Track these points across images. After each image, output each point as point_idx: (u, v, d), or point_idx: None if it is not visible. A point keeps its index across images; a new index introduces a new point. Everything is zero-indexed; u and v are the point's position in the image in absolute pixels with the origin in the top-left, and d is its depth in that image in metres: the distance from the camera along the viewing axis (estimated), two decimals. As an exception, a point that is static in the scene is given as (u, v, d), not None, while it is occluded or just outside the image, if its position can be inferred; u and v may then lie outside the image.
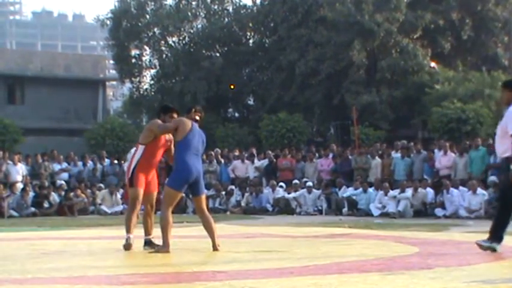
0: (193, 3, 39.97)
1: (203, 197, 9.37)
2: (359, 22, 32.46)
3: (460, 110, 26.88)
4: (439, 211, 18.61)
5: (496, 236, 8.69)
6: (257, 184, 22.34)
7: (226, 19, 39.50)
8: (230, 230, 13.95)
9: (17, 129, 30.44)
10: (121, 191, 21.76)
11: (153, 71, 41.29)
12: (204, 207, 9.39)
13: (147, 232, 9.60)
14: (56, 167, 23.78)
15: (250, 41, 40.02)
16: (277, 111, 32.83)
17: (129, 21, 39.31)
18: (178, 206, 20.42)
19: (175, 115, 9.42)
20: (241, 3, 39.99)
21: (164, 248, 9.02)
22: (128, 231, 9.38)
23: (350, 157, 21.99)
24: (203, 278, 6.93)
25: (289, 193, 21.22)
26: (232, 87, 37.83)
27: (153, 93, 40.58)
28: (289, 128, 30.75)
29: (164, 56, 40.09)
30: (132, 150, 9.85)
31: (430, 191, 19.23)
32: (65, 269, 7.59)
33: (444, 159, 20.03)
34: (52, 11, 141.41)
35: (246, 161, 23.37)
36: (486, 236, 8.85)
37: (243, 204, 21.90)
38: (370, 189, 20.16)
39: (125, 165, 22.61)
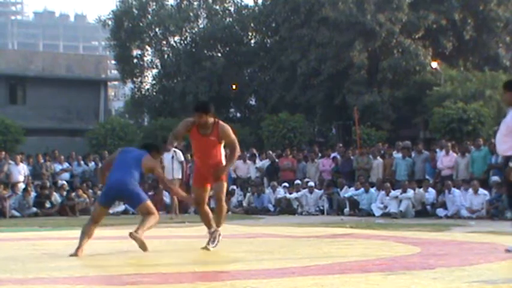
0: (195, 3, 40.06)
1: (142, 205, 9.21)
2: (361, 22, 32.48)
3: (462, 110, 26.88)
4: (440, 211, 18.61)
5: None
6: (259, 184, 22.34)
7: (227, 19, 39.55)
8: (232, 230, 13.93)
9: (19, 130, 30.46)
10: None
11: (154, 71, 41.41)
12: (148, 211, 9.20)
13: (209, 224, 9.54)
14: (57, 167, 23.79)
15: (252, 41, 40.08)
16: (279, 111, 32.85)
17: (131, 21, 39.39)
18: (180, 205, 20.56)
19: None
20: (242, 4, 40.06)
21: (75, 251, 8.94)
22: (208, 226, 9.46)
23: (352, 157, 21.99)
24: (205, 278, 6.93)
25: (290, 193, 21.22)
26: (234, 87, 37.87)
27: (154, 93, 40.66)
28: (291, 128, 30.77)
29: (166, 56, 40.16)
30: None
31: (431, 191, 19.23)
32: (66, 269, 7.59)
33: (446, 160, 20.01)
34: (54, 11, 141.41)
35: (248, 161, 23.37)
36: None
37: (244, 204, 21.90)
38: (372, 190, 20.15)
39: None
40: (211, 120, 9.26)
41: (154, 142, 10.00)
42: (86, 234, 9.16)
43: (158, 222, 9.34)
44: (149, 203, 9.33)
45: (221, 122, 9.39)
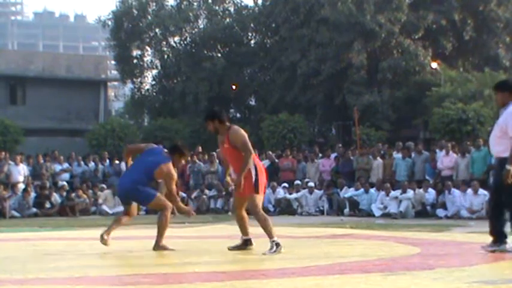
0: (195, 3, 40.04)
1: (151, 204, 9.65)
2: (360, 22, 32.48)
3: (461, 110, 26.89)
4: (440, 212, 18.61)
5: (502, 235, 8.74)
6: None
7: (227, 20, 39.54)
8: (232, 230, 13.93)
9: (18, 130, 30.48)
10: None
11: (154, 72, 41.40)
12: (159, 207, 9.56)
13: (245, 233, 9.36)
14: (57, 167, 23.78)
15: (252, 41, 40.07)
16: (279, 111, 32.85)
17: (131, 21, 39.39)
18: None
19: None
20: (242, 4, 40.06)
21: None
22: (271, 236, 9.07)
23: (352, 158, 21.99)
24: (205, 278, 6.92)
25: (290, 194, 21.22)
26: (234, 87, 37.87)
27: (154, 93, 40.66)
28: (291, 128, 30.76)
29: (166, 56, 40.15)
30: None
31: (431, 192, 19.24)
32: (66, 270, 7.59)
33: (446, 160, 20.01)
34: (53, 12, 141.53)
35: (248, 162, 23.30)
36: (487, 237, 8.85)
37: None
38: (372, 190, 20.16)
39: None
40: (225, 126, 8.97)
41: (180, 144, 10.00)
42: (116, 221, 9.67)
43: (171, 211, 9.55)
44: (158, 198, 9.48)
45: (233, 127, 9.00)
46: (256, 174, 8.94)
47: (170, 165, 9.37)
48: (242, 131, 8.99)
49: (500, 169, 8.62)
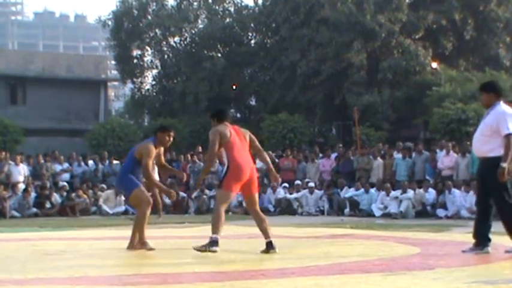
0: (195, 3, 40.03)
1: (130, 199, 9.85)
2: (360, 22, 32.46)
3: (461, 110, 26.88)
4: (440, 212, 18.61)
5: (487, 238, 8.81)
6: (259, 185, 22.28)
7: (227, 19, 39.53)
8: (232, 230, 13.94)
9: (18, 130, 30.47)
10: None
11: (154, 72, 41.37)
12: (135, 204, 9.79)
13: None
14: (58, 167, 23.77)
15: (252, 41, 40.06)
16: (279, 111, 32.83)
17: (131, 21, 39.38)
18: (180, 206, 20.60)
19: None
20: (242, 4, 40.05)
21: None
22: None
23: (352, 158, 21.99)
24: (204, 278, 6.93)
25: (290, 194, 21.22)
26: (234, 87, 37.86)
27: (154, 93, 40.64)
28: (291, 128, 30.75)
29: (166, 56, 40.13)
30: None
31: (431, 192, 19.23)
32: (66, 270, 7.59)
33: (446, 160, 20.01)
34: (54, 12, 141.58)
35: (248, 162, 23.29)
36: (493, 238, 8.90)
37: (244, 204, 21.87)
38: (372, 190, 20.16)
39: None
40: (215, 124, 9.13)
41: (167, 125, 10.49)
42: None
43: (149, 207, 9.59)
44: (135, 193, 9.59)
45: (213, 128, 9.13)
46: (227, 171, 9.05)
47: (149, 144, 9.65)
48: (214, 130, 9.00)
49: (486, 170, 8.62)
